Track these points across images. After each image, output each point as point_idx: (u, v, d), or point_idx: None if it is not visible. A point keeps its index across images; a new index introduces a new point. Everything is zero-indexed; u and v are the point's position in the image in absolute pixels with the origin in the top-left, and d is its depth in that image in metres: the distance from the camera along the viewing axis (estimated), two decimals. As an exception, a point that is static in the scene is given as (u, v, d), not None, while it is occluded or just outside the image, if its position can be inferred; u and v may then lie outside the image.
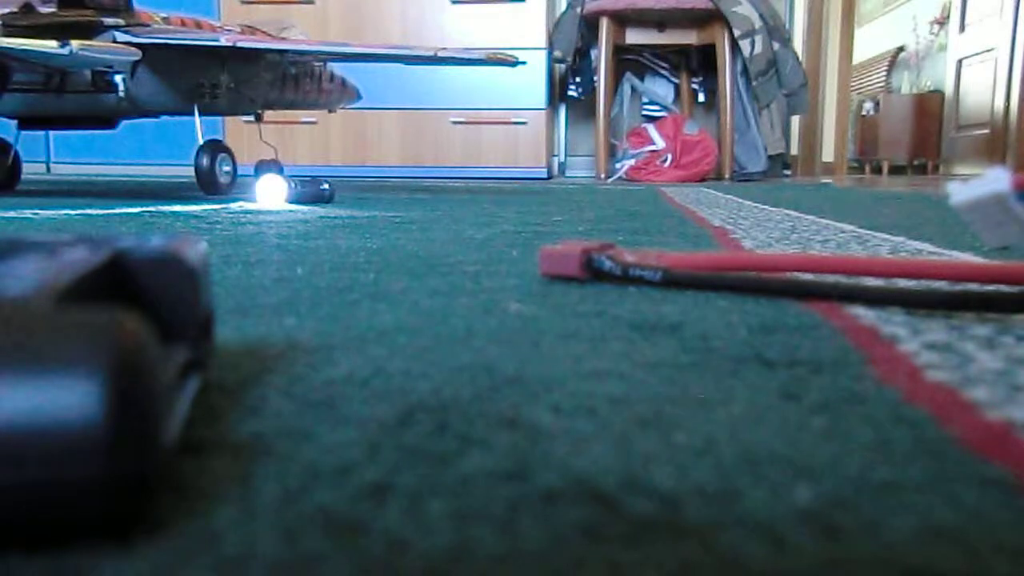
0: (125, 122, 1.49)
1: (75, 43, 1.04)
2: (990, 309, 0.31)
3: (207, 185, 1.32)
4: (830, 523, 0.15)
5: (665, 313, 0.34)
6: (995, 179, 0.47)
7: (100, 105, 1.26)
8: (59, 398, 0.13)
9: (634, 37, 2.63)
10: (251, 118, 1.61)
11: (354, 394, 0.22)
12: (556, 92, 2.88)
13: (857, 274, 0.39)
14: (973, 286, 0.36)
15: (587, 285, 0.41)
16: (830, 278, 0.39)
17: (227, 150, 1.36)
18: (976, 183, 0.48)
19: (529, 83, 2.52)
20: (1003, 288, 0.34)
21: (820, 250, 0.58)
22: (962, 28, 3.73)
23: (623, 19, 2.57)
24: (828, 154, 4.27)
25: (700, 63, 2.80)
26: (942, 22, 4.04)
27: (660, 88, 2.85)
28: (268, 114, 1.64)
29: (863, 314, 0.33)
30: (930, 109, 4.06)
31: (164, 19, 1.32)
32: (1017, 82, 3.23)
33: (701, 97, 2.86)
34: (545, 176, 2.59)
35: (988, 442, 0.19)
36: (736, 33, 2.46)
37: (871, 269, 0.38)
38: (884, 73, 4.73)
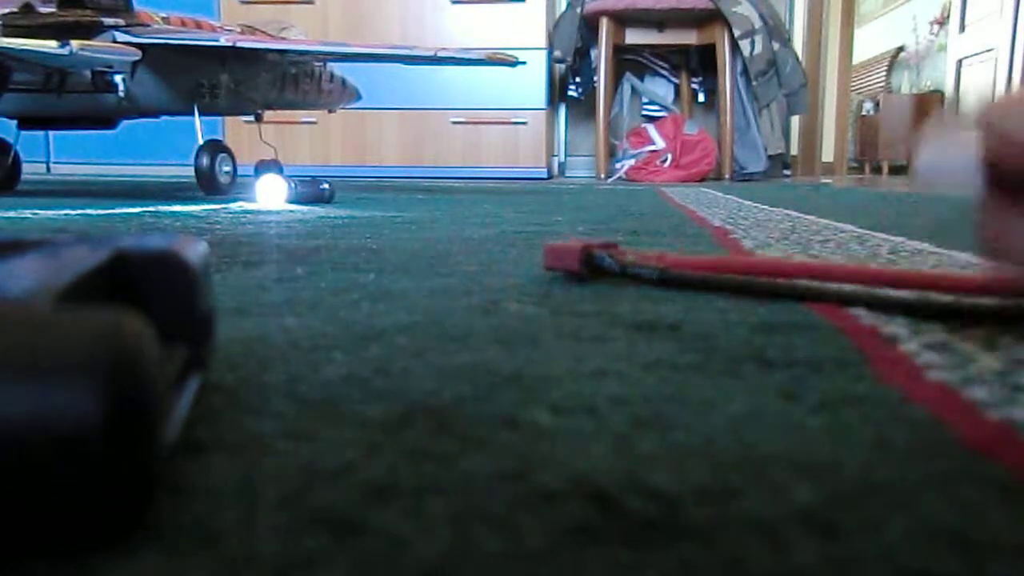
0: (125, 122, 1.49)
1: (75, 43, 1.04)
2: (984, 321, 0.31)
3: (207, 185, 1.32)
4: (830, 523, 0.15)
5: (665, 313, 0.34)
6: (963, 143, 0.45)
7: (100, 105, 1.26)
8: (59, 398, 0.13)
9: (634, 37, 2.63)
10: (251, 118, 1.61)
11: (354, 394, 0.22)
12: (556, 92, 2.88)
13: (861, 284, 0.39)
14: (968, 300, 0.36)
15: (587, 285, 0.41)
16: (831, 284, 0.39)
17: (227, 150, 1.36)
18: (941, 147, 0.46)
19: (529, 83, 2.51)
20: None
21: (819, 250, 0.58)
22: (962, 28, 3.73)
23: (623, 19, 2.57)
24: (828, 154, 4.26)
25: (700, 63, 2.80)
26: (942, 22, 4.04)
27: (660, 88, 2.85)
28: (268, 114, 1.64)
29: (863, 314, 0.33)
30: (930, 109, 4.06)
31: (164, 19, 1.32)
32: (1017, 82, 3.23)
33: (701, 97, 2.86)
34: (545, 176, 2.59)
35: (988, 442, 0.19)
36: (736, 33, 2.46)
37: (876, 278, 0.37)
38: (884, 73, 4.73)
